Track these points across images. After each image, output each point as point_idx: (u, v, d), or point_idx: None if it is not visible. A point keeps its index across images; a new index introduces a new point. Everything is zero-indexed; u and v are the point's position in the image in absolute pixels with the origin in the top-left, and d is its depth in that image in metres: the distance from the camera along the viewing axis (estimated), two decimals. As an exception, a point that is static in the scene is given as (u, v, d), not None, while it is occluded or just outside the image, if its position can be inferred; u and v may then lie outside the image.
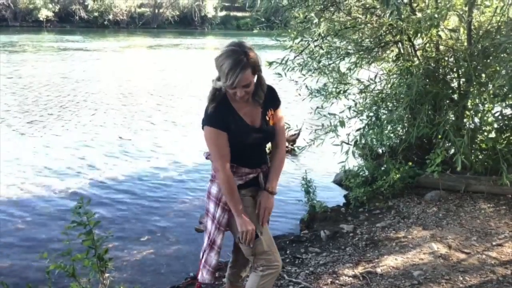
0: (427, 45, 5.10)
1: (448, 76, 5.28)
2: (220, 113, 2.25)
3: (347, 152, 4.96)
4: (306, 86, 5.57)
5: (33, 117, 9.56)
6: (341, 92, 5.46)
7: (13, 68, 15.98)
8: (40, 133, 8.36)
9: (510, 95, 4.74)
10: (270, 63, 5.22)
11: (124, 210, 5.30)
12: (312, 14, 5.02)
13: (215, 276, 2.49)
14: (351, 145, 5.04)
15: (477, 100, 4.82)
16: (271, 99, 2.37)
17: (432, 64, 5.04)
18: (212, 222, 2.40)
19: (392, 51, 5.56)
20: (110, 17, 40.51)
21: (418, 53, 5.18)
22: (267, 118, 2.34)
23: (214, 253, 2.39)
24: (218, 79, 2.21)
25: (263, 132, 2.33)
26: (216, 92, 2.26)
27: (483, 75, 4.81)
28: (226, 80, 2.13)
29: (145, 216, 5.15)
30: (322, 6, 5.17)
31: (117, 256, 4.09)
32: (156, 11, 43.42)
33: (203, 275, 2.42)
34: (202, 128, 2.30)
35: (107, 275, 2.93)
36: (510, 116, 4.98)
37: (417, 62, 5.03)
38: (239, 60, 2.10)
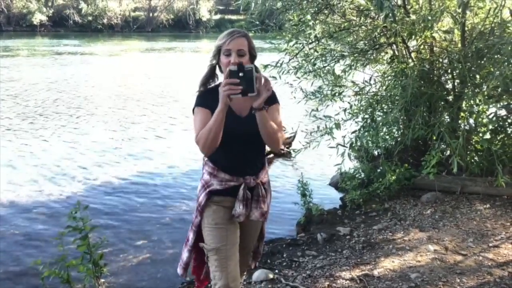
0: (422, 47, 5.12)
1: (443, 78, 5.29)
2: (206, 96, 2.25)
3: (342, 155, 4.95)
4: (301, 89, 5.57)
5: (27, 121, 9.51)
6: (336, 94, 5.45)
7: (6, 73, 15.89)
8: (33, 138, 8.31)
9: (504, 96, 4.77)
10: (265, 66, 5.21)
11: (119, 214, 5.27)
12: (308, 16, 5.02)
13: (186, 271, 2.51)
14: (346, 147, 5.04)
15: (471, 101, 4.83)
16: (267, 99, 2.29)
17: (426, 66, 5.05)
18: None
19: (387, 53, 5.57)
20: (105, 21, 40.42)
21: (413, 55, 5.20)
22: None
23: (187, 250, 2.46)
24: (215, 53, 2.23)
25: (249, 124, 2.17)
26: (209, 78, 2.29)
27: (477, 76, 4.83)
28: (221, 40, 2.18)
29: (140, 220, 5.12)
30: (316, 9, 5.18)
31: (113, 261, 4.06)
32: (151, 14, 43.38)
33: (177, 270, 2.52)
34: (193, 112, 2.28)
35: (102, 280, 2.91)
36: (504, 117, 4.99)
37: (411, 64, 5.04)
38: (236, 29, 2.25)
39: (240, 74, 1.98)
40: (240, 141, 2.20)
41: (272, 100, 2.29)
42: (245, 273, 2.78)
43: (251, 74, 1.99)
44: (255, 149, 2.27)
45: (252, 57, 2.24)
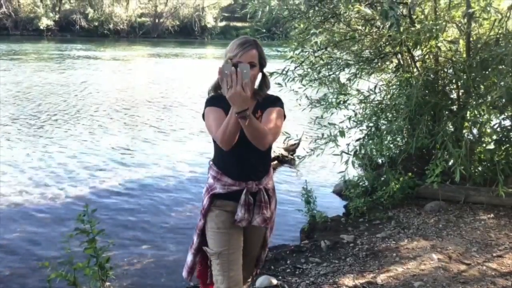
0: (427, 56, 5.15)
1: (447, 87, 5.32)
2: (216, 99, 2.27)
3: (346, 162, 4.97)
4: (306, 96, 5.60)
5: (33, 125, 9.58)
6: (341, 102, 5.49)
7: (13, 77, 16.02)
8: (40, 142, 8.37)
9: (508, 107, 4.79)
10: (271, 74, 5.25)
11: (124, 218, 5.29)
12: (312, 28, 5.06)
13: (192, 275, 2.54)
14: (350, 155, 5.06)
15: (476, 111, 4.85)
16: (268, 104, 2.30)
17: (431, 75, 5.08)
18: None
19: (392, 62, 5.61)
20: (111, 26, 40.66)
21: (418, 64, 5.23)
22: (256, 116, 2.23)
23: (191, 253, 2.50)
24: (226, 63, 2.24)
25: None
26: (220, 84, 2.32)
27: (482, 86, 4.86)
28: (232, 52, 2.18)
29: (145, 224, 5.15)
30: (322, 18, 5.23)
31: (118, 265, 4.08)
32: (156, 20, 43.64)
33: (183, 273, 2.56)
34: (203, 118, 2.30)
35: (108, 283, 2.94)
36: (509, 127, 5.01)
37: (416, 73, 5.07)
38: (247, 39, 2.24)
39: None
40: (243, 146, 2.18)
41: (273, 104, 2.31)
42: (249, 280, 2.79)
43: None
44: (258, 154, 2.25)
45: (262, 67, 2.28)
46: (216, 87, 2.33)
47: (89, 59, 23.24)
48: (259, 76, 2.33)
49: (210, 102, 2.29)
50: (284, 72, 5.38)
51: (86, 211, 2.67)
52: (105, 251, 2.89)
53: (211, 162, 2.43)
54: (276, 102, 2.33)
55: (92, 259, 2.78)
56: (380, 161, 5.61)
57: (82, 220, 2.66)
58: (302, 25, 5.36)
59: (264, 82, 2.36)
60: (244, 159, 2.28)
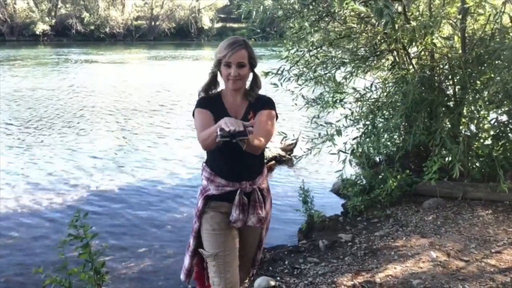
0: (422, 53, 5.13)
1: (444, 84, 5.30)
2: (206, 100, 2.30)
3: (344, 161, 4.94)
4: (303, 96, 5.58)
5: (29, 130, 9.54)
6: (337, 101, 5.47)
7: (9, 82, 15.98)
8: (35, 146, 8.33)
9: (505, 102, 4.77)
10: (266, 74, 5.23)
11: (121, 222, 5.26)
12: (306, 24, 5.04)
13: (189, 277, 2.53)
14: (348, 153, 5.03)
15: (472, 107, 4.83)
16: (261, 105, 2.31)
17: (427, 72, 5.06)
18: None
19: (387, 59, 5.58)
20: (107, 30, 40.58)
21: (413, 61, 5.21)
22: (248, 117, 2.26)
23: (188, 255, 2.48)
24: (216, 64, 2.26)
25: None
26: (211, 85, 2.32)
27: (478, 82, 4.84)
28: (221, 52, 2.19)
29: (142, 228, 5.12)
30: (317, 16, 5.21)
31: (114, 269, 4.05)
32: (153, 23, 43.57)
33: (181, 276, 2.55)
34: (193, 116, 2.31)
35: (103, 288, 2.91)
36: (506, 122, 4.99)
37: (412, 70, 5.05)
38: (237, 40, 2.25)
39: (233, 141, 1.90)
40: (235, 147, 2.10)
41: (265, 105, 2.31)
42: (246, 281, 2.78)
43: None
44: (251, 154, 2.17)
45: (252, 67, 2.27)
46: (207, 88, 2.33)
47: (85, 63, 23.20)
48: (250, 76, 2.32)
49: (198, 103, 2.31)
50: (280, 72, 5.35)
51: (78, 216, 2.64)
52: (101, 256, 2.86)
53: (204, 164, 2.42)
54: (268, 103, 2.34)
55: (87, 264, 2.75)
56: (377, 159, 5.58)
57: (75, 225, 2.63)
58: (296, 25, 5.34)
59: (255, 83, 2.35)
60: (237, 160, 2.27)
